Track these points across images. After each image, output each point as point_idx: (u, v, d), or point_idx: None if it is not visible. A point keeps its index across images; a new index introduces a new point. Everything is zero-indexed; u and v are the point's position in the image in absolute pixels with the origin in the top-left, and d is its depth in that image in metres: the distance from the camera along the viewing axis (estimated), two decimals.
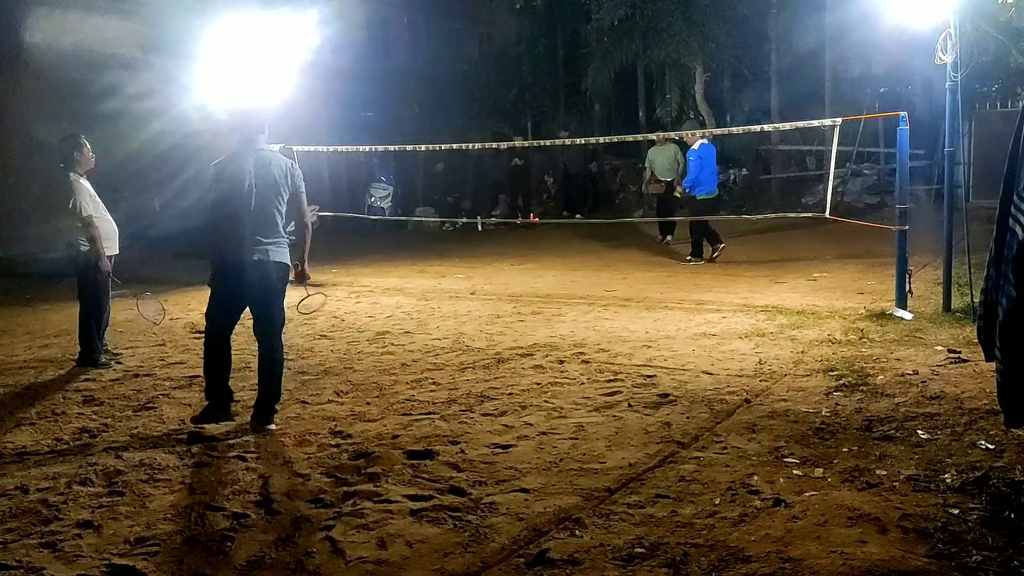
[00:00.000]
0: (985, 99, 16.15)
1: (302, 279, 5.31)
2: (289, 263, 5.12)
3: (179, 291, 9.84)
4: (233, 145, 5.13)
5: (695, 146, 11.34)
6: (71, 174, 6.41)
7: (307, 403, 5.49)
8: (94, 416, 5.35)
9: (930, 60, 7.28)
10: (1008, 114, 15.16)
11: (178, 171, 14.57)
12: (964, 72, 7.13)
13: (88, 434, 5.01)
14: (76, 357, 6.68)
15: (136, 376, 6.36)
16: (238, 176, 4.95)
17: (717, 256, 11.16)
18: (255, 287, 4.98)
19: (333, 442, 4.70)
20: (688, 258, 11.39)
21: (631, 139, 13.12)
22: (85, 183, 6.49)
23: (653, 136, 13.50)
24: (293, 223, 5.17)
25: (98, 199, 6.56)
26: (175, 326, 8.15)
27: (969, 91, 13.12)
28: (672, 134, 13.60)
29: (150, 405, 5.56)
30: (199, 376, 6.20)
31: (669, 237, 13.42)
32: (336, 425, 5.00)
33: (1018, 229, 3.05)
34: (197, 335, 7.66)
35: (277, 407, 5.15)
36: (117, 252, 6.72)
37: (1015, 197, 3.10)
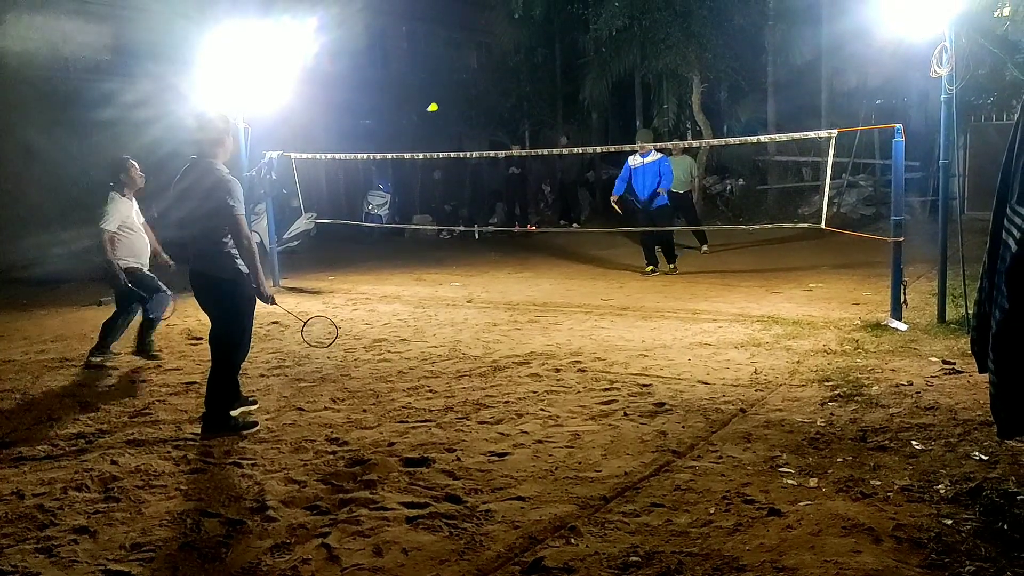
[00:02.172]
0: (980, 112, 16.21)
1: (265, 301, 5.20)
2: (226, 276, 5.06)
3: (177, 298, 9.82)
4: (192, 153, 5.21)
5: (654, 157, 11.27)
6: (112, 192, 6.79)
7: (303, 410, 5.50)
8: (90, 422, 5.36)
9: (925, 73, 7.31)
10: (1003, 127, 15.21)
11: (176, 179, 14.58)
12: (959, 85, 7.17)
13: (84, 440, 5.01)
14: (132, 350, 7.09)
15: (133, 382, 6.37)
16: (177, 187, 5.18)
17: (651, 273, 11.32)
18: (198, 297, 5.21)
19: (329, 449, 4.71)
20: (649, 269, 11.44)
21: (628, 148, 13.14)
22: (124, 202, 6.82)
23: (669, 145, 13.48)
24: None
25: (136, 218, 6.94)
26: (172, 332, 8.15)
27: (964, 104, 13.21)
28: (685, 143, 13.56)
29: (146, 411, 5.57)
30: (196, 382, 6.23)
31: (705, 247, 13.39)
32: (332, 432, 5.01)
33: (1011, 241, 3.08)
34: (194, 341, 7.68)
35: (237, 417, 5.17)
36: (146, 266, 7.06)
37: (1008, 210, 3.12)
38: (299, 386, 6.10)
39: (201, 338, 7.79)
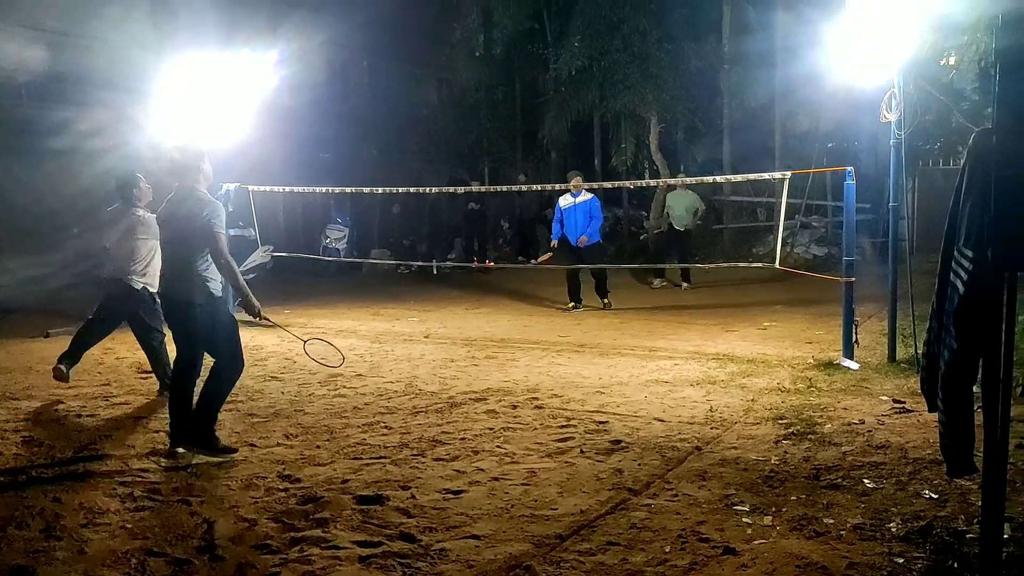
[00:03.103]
0: (928, 157, 16.71)
1: (254, 315, 5.30)
2: (198, 301, 5.10)
3: (127, 330, 9.62)
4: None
5: (585, 197, 11.46)
6: (133, 209, 6.75)
7: (255, 446, 5.39)
8: (33, 457, 5.19)
9: (875, 118, 7.52)
10: (950, 172, 15.67)
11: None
12: (908, 130, 7.38)
13: (25, 475, 4.85)
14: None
15: (79, 416, 6.19)
16: (161, 215, 5.36)
17: (574, 309, 11.52)
18: (167, 320, 5.37)
19: (281, 486, 4.62)
20: (571, 306, 11.59)
21: (586, 186, 13.28)
22: (149, 217, 6.65)
23: (674, 181, 13.60)
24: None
25: (154, 233, 6.68)
26: (121, 365, 7.97)
27: (913, 148, 13.59)
28: (690, 180, 13.67)
29: (92, 445, 5.42)
30: (143, 417, 6.08)
31: (686, 284, 13.60)
32: (285, 469, 4.91)
33: (959, 283, 3.15)
34: (143, 375, 7.50)
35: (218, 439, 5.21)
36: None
37: (956, 252, 3.20)
38: (251, 421, 5.98)
39: (152, 372, 7.63)
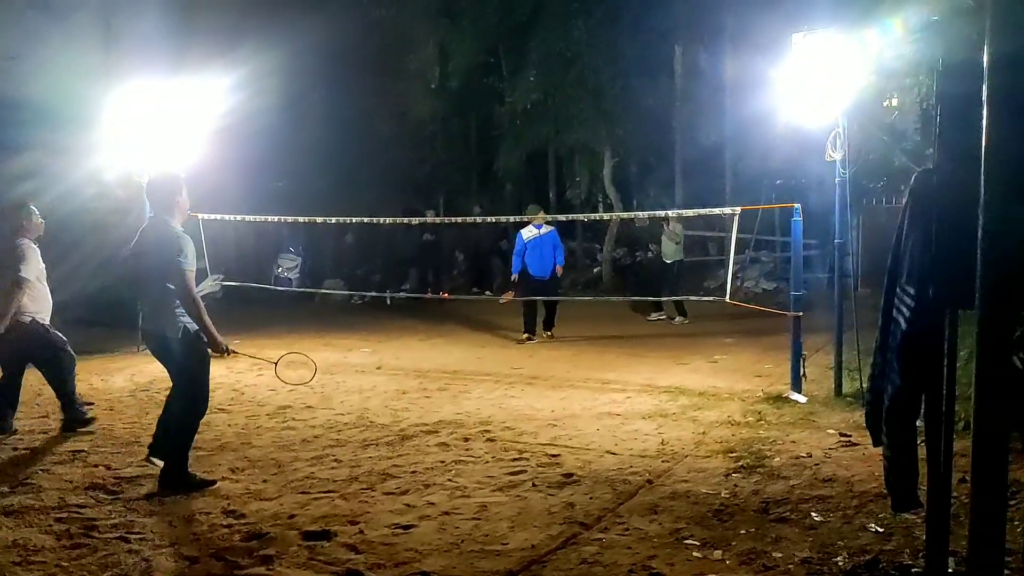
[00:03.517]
0: (872, 195, 17.16)
1: (219, 352, 5.22)
2: (171, 335, 5.07)
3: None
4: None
5: (547, 229, 11.65)
6: (21, 240, 6.38)
7: None
8: None
9: (822, 157, 7.72)
10: (893, 209, 16.10)
11: (77, 240, 13.97)
12: (852, 169, 7.57)
13: None
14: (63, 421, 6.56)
15: (15, 449, 5.98)
16: (133, 248, 5.32)
17: (528, 340, 11.59)
18: (155, 355, 5.30)
19: (225, 522, 4.50)
20: (525, 337, 11.63)
21: (540, 219, 13.35)
22: (36, 251, 6.45)
23: (670, 213, 13.63)
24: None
25: (42, 268, 6.54)
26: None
27: (857, 187, 13.92)
28: (643, 214, 13.71)
29: (27, 481, 5.23)
30: (83, 451, 5.90)
31: (658, 314, 13.69)
32: (229, 504, 4.79)
33: (901, 320, 3.21)
34: (84, 407, 7.29)
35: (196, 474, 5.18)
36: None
37: (899, 289, 3.26)
38: (196, 455, 5.81)
39: (92, 404, 7.42)
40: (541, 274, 11.64)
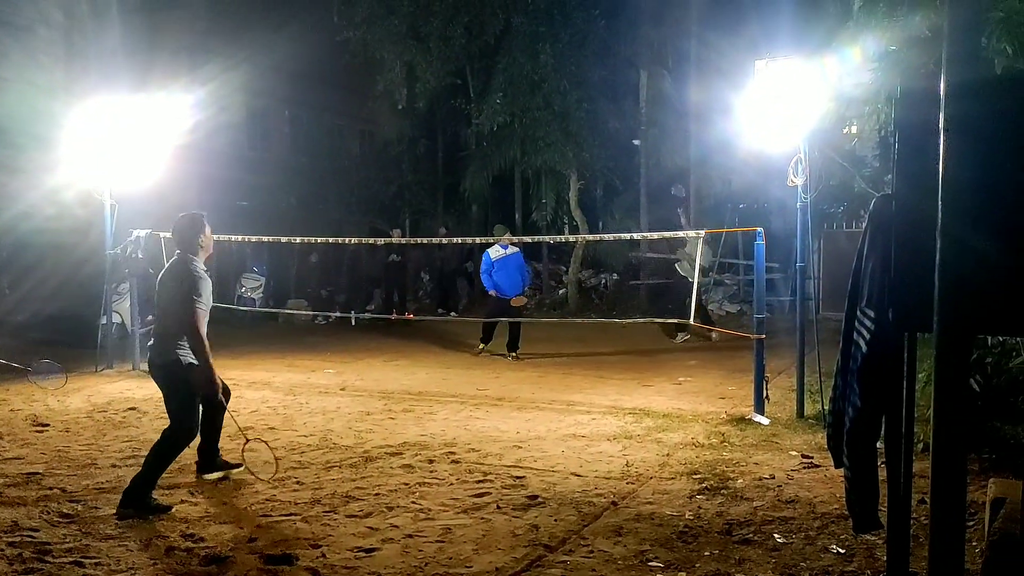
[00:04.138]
0: (832, 219, 17.43)
1: (212, 395, 5.39)
2: (165, 361, 5.25)
3: (25, 380, 9.18)
4: None
5: (513, 250, 11.96)
6: None
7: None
8: None
9: (783, 182, 7.85)
10: (853, 234, 16.37)
11: (31, 267, 13.67)
12: (813, 194, 7.70)
13: None
14: None
15: None
16: (161, 275, 5.61)
17: (482, 352, 12.05)
18: (157, 383, 5.42)
19: (183, 546, 4.41)
20: (481, 348, 12.14)
21: (507, 240, 13.39)
22: None
23: (689, 234, 12.88)
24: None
25: None
26: (15, 418, 7.56)
27: (818, 211, 14.16)
28: (676, 234, 13.09)
29: None
30: (38, 473, 5.76)
31: (684, 334, 13.53)
32: (188, 527, 4.70)
33: (862, 342, 3.26)
34: (39, 428, 7.14)
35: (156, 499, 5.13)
36: None
37: (859, 312, 3.31)
38: None
39: (48, 425, 7.26)
40: (508, 293, 11.96)
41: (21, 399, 8.26)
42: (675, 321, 12.59)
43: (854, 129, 10.19)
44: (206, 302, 5.32)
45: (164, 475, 5.73)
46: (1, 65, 15.31)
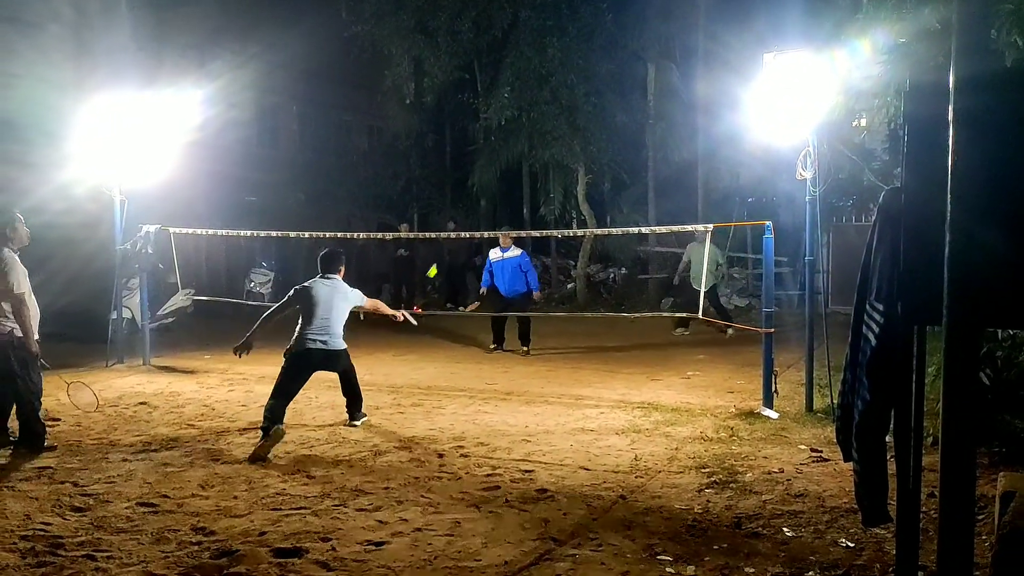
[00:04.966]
0: (842, 213, 17.37)
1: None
2: None
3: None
4: None
5: (514, 252, 12.02)
6: (4, 250, 6.13)
7: (168, 497, 5.18)
8: None
9: (792, 176, 7.82)
10: (862, 227, 16.31)
11: (41, 261, 13.72)
12: (822, 187, 7.66)
13: None
14: (15, 440, 6.34)
15: None
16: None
17: (495, 350, 12.13)
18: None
19: (194, 539, 4.44)
20: (493, 347, 12.18)
21: (515, 235, 13.38)
22: (19, 261, 6.21)
23: (700, 228, 12.35)
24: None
25: (28, 279, 6.30)
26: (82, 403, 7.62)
27: (827, 205, 14.07)
28: (684, 228, 12.31)
29: None
30: (49, 467, 5.81)
31: (683, 330, 13.65)
32: (199, 521, 4.73)
33: (871, 336, 3.25)
34: (51, 423, 7.18)
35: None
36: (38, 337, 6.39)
37: (868, 306, 3.30)
38: (165, 471, 5.76)
39: (60, 419, 7.31)
40: (506, 293, 12.02)
41: None
42: (682, 316, 12.59)
43: (863, 122, 10.15)
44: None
45: (175, 469, 5.78)
46: (11, 61, 15.34)
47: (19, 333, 6.15)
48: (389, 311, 7.99)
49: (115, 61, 16.45)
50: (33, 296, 6.35)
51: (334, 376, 7.32)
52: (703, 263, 13.12)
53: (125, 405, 8.03)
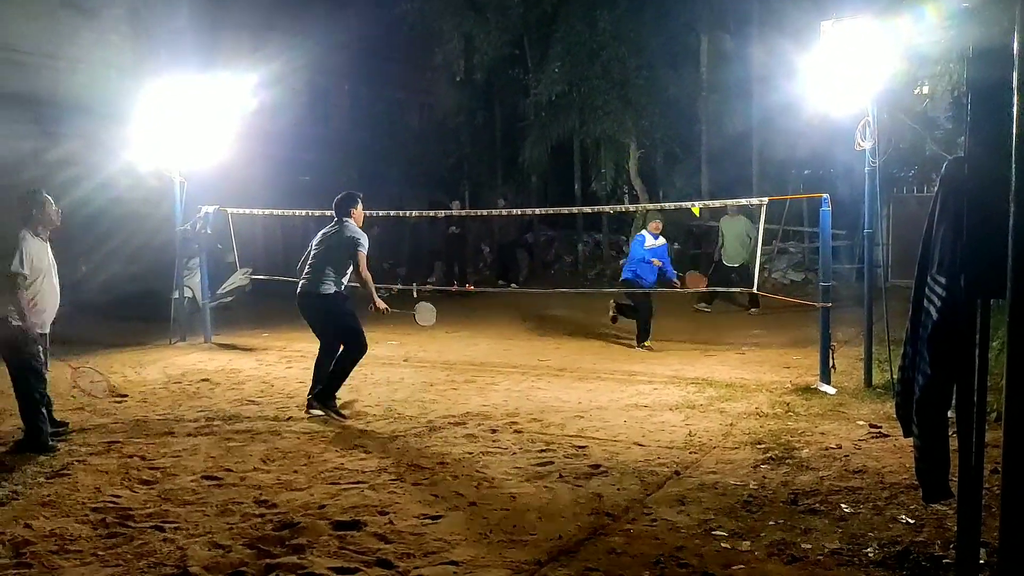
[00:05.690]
0: (902, 184, 16.96)
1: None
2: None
3: (102, 353, 9.55)
4: None
5: (662, 241, 10.78)
6: (21, 231, 5.80)
7: (231, 470, 5.33)
8: (3, 483, 5.10)
9: (850, 146, 7.63)
10: (923, 199, 15.91)
11: (107, 235, 14.20)
12: (882, 158, 7.49)
13: None
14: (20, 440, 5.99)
15: (51, 441, 6.09)
16: None
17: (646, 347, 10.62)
18: None
19: (257, 512, 4.57)
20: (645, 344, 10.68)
21: (566, 211, 13.33)
22: (35, 243, 5.85)
23: (728, 203, 11.99)
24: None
25: (48, 264, 5.97)
26: (95, 389, 7.86)
27: (887, 176, 13.79)
28: (739, 202, 11.30)
29: (64, 472, 5.33)
30: (118, 441, 6.01)
31: (705, 305, 13.49)
32: (261, 494, 4.86)
33: (932, 309, 3.18)
34: (118, 400, 7.42)
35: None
36: (47, 331, 6.07)
37: (929, 279, 3.23)
38: (228, 445, 5.92)
39: (126, 396, 7.55)
40: (653, 283, 10.69)
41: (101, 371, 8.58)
42: (708, 291, 12.49)
43: (926, 89, 9.86)
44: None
45: (237, 444, 5.94)
46: (72, 45, 15.78)
47: (16, 322, 5.73)
48: (372, 295, 7.64)
49: (173, 44, 16.79)
50: (53, 279, 6.01)
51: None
52: (736, 239, 12.96)
53: (188, 382, 8.25)
